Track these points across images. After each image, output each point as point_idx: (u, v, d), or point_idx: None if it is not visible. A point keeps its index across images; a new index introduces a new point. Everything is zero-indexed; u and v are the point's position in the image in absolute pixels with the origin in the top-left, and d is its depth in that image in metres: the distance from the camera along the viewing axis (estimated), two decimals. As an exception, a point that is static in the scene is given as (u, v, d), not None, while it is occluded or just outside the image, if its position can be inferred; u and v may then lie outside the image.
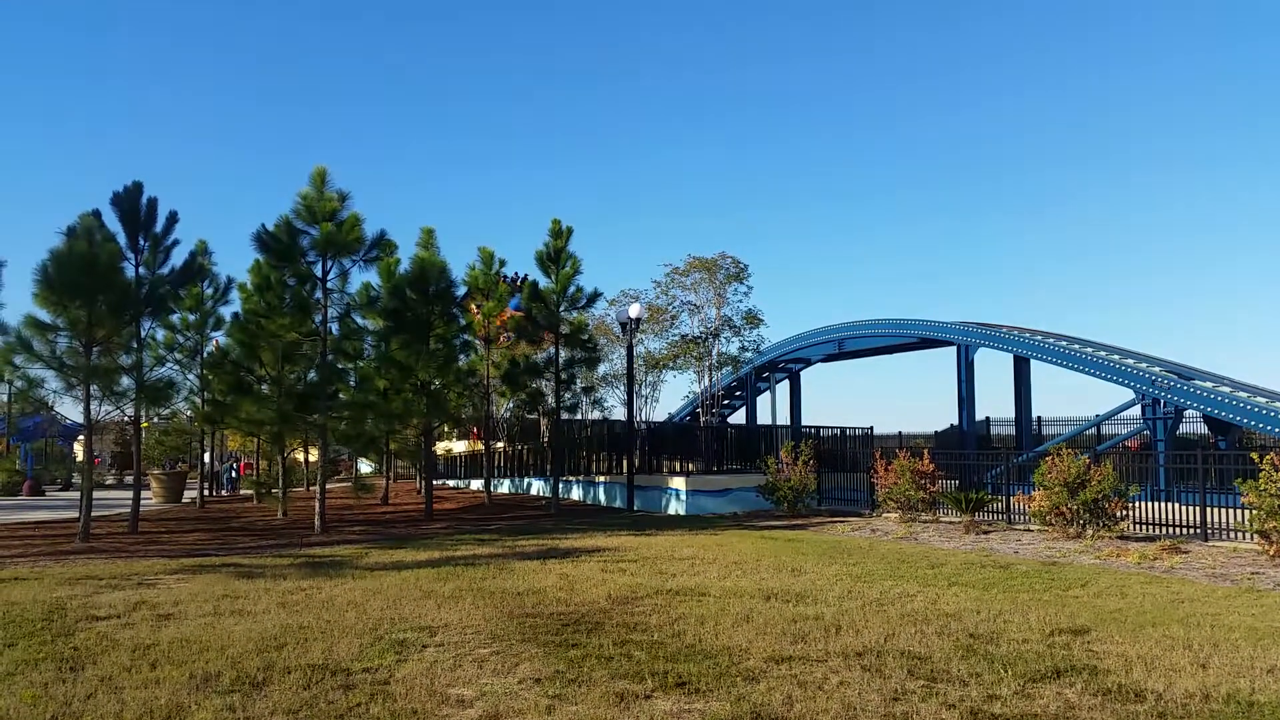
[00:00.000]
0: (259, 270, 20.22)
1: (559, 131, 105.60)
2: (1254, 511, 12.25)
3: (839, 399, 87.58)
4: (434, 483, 26.80)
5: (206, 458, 30.07)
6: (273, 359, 20.26)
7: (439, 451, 34.86)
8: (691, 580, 10.49)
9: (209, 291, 23.38)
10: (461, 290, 22.29)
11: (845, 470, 23.45)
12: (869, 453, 21.44)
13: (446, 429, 30.10)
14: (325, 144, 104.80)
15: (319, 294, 18.27)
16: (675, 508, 22.11)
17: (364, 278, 21.14)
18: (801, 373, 36.99)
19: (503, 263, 25.04)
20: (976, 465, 20.28)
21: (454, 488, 32.01)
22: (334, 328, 19.31)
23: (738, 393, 36.29)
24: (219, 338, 24.03)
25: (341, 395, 20.02)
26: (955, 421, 28.26)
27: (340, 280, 18.48)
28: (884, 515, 19.35)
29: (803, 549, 13.96)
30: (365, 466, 38.97)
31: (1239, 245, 79.08)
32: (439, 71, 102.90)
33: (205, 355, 23.48)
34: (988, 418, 31.04)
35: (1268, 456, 12.30)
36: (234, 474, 35.50)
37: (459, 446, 36.01)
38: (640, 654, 6.68)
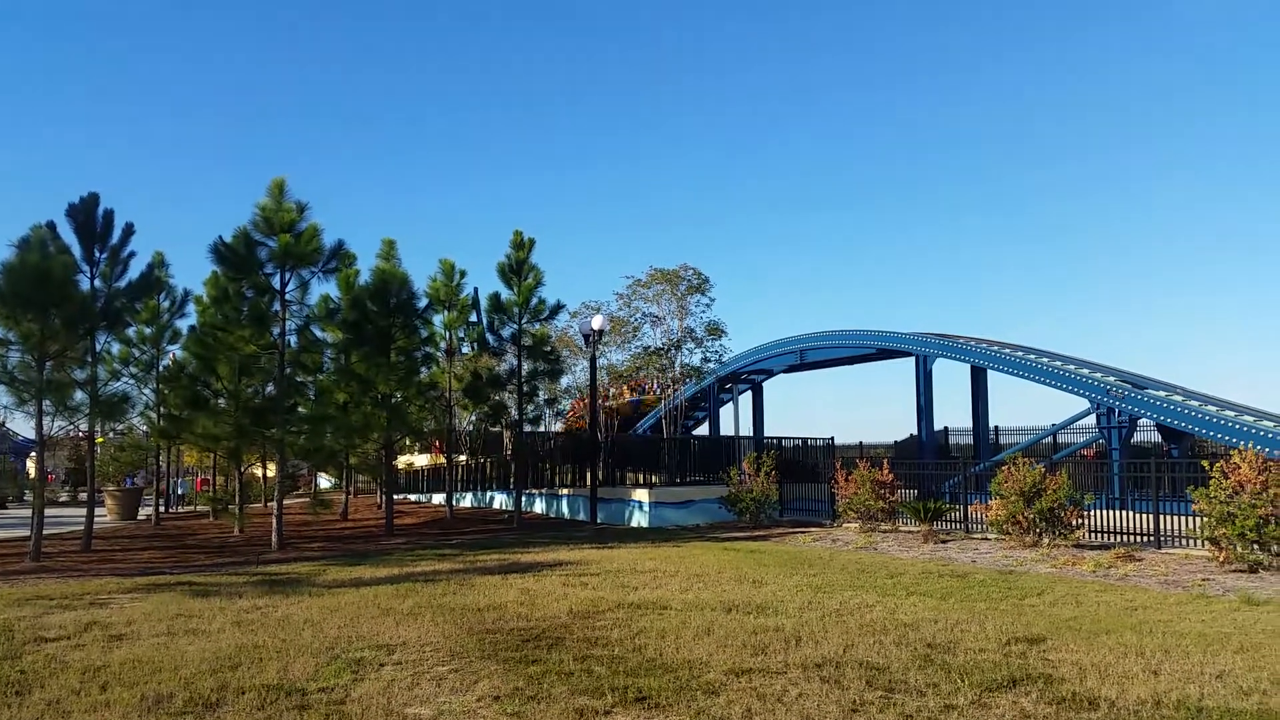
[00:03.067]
0: (216, 282, 19.94)
1: (521, 144, 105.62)
2: (1205, 519, 12.47)
3: (801, 410, 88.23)
4: (395, 497, 26.58)
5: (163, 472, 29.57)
6: (230, 372, 20.00)
7: (400, 465, 34.59)
8: (653, 593, 10.49)
9: (166, 304, 23.05)
10: (423, 302, 22.18)
11: (807, 481, 23.58)
12: (830, 463, 21.60)
13: (408, 442, 29.87)
14: (286, 156, 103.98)
15: (277, 306, 18.06)
16: (638, 520, 22.10)
17: (323, 289, 21.03)
18: (764, 384, 37.18)
19: (463, 274, 24.94)
20: (935, 475, 20.49)
21: (415, 502, 31.77)
22: (293, 340, 19.10)
23: (701, 404, 36.39)
24: (175, 351, 23.71)
25: (300, 409, 19.82)
26: (915, 431, 28.54)
27: (299, 292, 18.29)
28: (844, 525, 19.48)
29: (764, 560, 14.01)
30: (325, 481, 38.57)
31: (1194, 256, 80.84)
32: (401, 84, 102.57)
33: (162, 369, 23.11)
34: (946, 427, 31.40)
35: (1218, 464, 12.55)
36: (180, 490, 34.92)
37: (421, 460, 35.77)
38: (601, 669, 6.67)
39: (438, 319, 24.54)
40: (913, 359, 28.12)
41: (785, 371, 35.40)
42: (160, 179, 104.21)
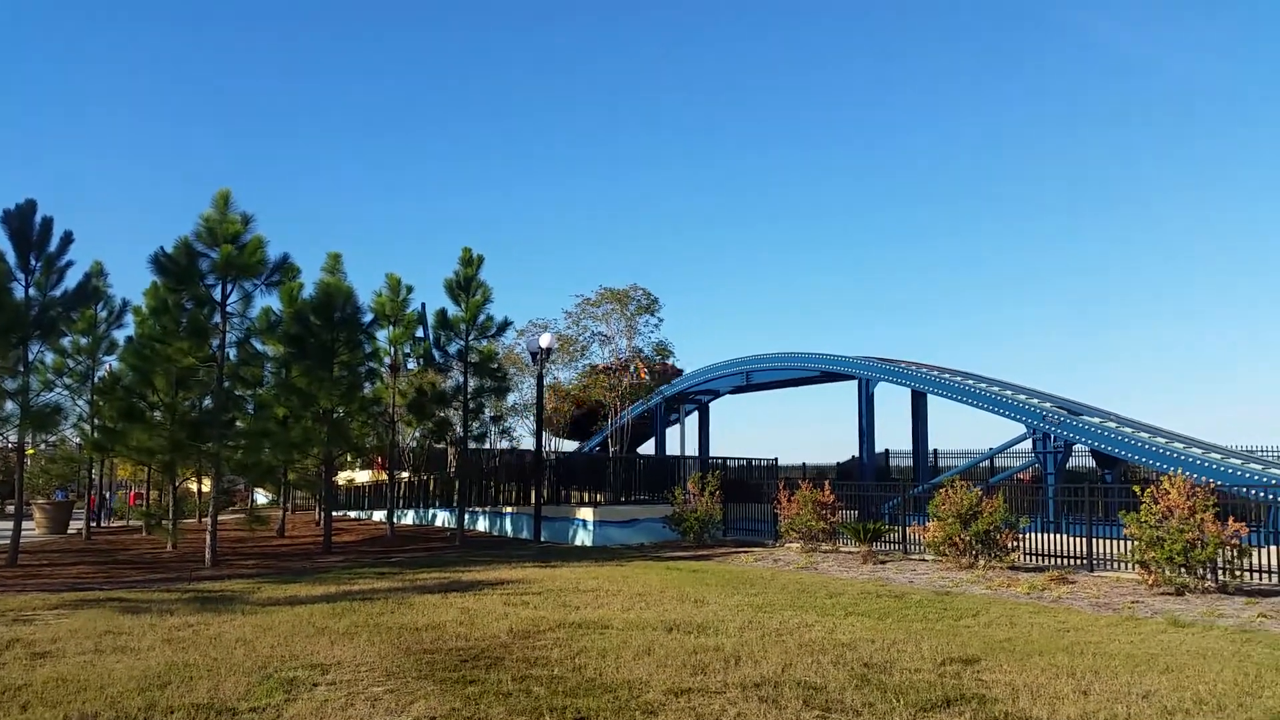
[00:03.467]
0: (156, 293, 19.60)
1: (474, 161, 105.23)
2: (1135, 543, 12.77)
3: (747, 430, 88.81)
4: (335, 514, 26.18)
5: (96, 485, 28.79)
6: (167, 385, 19.60)
7: (341, 482, 34.09)
8: (595, 613, 10.46)
9: (103, 314, 22.57)
10: (368, 317, 21.97)
11: (751, 501, 23.72)
12: (774, 483, 21.75)
13: (349, 458, 29.45)
14: (232, 167, 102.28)
15: (217, 318, 17.79)
16: (583, 539, 22.03)
17: (266, 302, 20.70)
18: (710, 404, 37.37)
19: (410, 289, 24.76)
20: (875, 496, 20.75)
21: (356, 519, 31.32)
22: (233, 353, 18.82)
23: (648, 423, 36.44)
24: (112, 362, 23.19)
25: (238, 423, 19.48)
26: (857, 453, 28.89)
27: (241, 304, 18.05)
28: (786, 545, 19.62)
29: (706, 580, 14.05)
30: (262, 497, 37.83)
31: (1129, 283, 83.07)
32: (350, 98, 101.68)
33: (97, 380, 22.56)
34: (887, 450, 31.82)
35: (1148, 490, 12.89)
36: (108, 504, 34.03)
37: (362, 476, 35.28)
38: (540, 689, 6.63)
39: (383, 334, 24.33)
40: (856, 382, 28.48)
41: (732, 392, 35.63)
42: (103, 185, 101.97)
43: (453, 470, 26.46)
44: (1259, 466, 19.64)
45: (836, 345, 58.12)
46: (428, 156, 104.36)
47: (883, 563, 16.51)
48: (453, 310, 23.11)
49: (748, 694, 6.55)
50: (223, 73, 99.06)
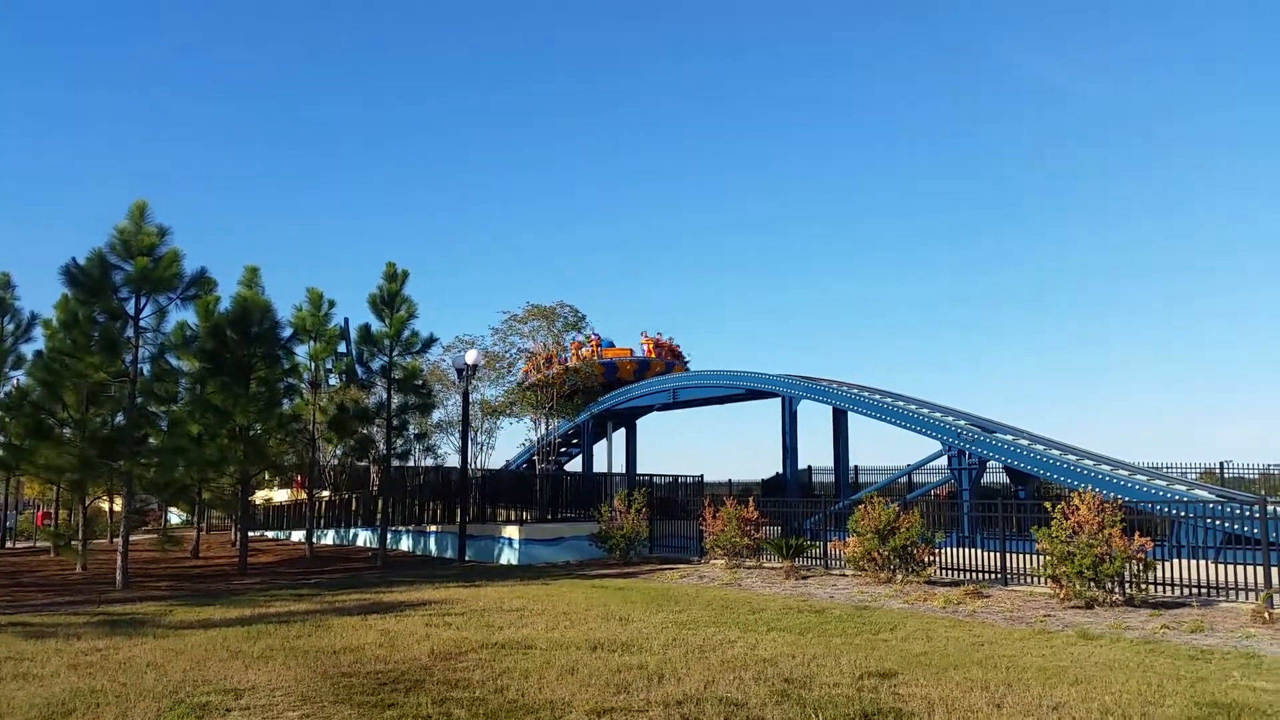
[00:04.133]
0: (67, 306, 18.98)
1: (399, 176, 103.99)
2: (1047, 557, 13.14)
3: (675, 447, 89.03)
4: (252, 534, 25.54)
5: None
6: (77, 401, 18.98)
7: (258, 501, 33.24)
8: (518, 633, 10.39)
9: (10, 327, 21.77)
10: (287, 332, 21.55)
11: (678, 518, 23.81)
12: (699, 500, 21.87)
13: (267, 477, 28.76)
14: (150, 180, 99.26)
15: (130, 332, 17.30)
16: (508, 557, 21.86)
17: (182, 316, 20.14)
18: (638, 421, 37.45)
19: (332, 304, 24.34)
20: (798, 512, 21.01)
21: (274, 539, 30.58)
22: (146, 368, 18.31)
23: (574, 440, 36.35)
24: (19, 377, 22.32)
25: (151, 440, 18.94)
26: (781, 470, 29.22)
27: (156, 318, 17.62)
28: (711, 562, 19.74)
29: (632, 597, 14.06)
30: (176, 517, 36.71)
31: (1043, 305, 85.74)
32: (272, 110, 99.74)
33: (2, 395, 21.68)
34: (810, 466, 32.26)
35: (1059, 506, 13.28)
36: (9, 523, 32.59)
37: (281, 496, 34.44)
38: (460, 712, 6.57)
39: (303, 349, 23.88)
40: (780, 400, 28.85)
41: (660, 409, 35.77)
42: (12, 195, 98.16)
43: (375, 489, 26.03)
44: (1164, 483, 20.43)
45: (763, 363, 58.85)
46: (353, 172, 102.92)
47: (805, 578, 16.72)
48: (376, 326, 22.82)
49: (670, 712, 6.58)
50: (140, 84, 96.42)
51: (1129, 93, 75.97)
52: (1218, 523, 15.49)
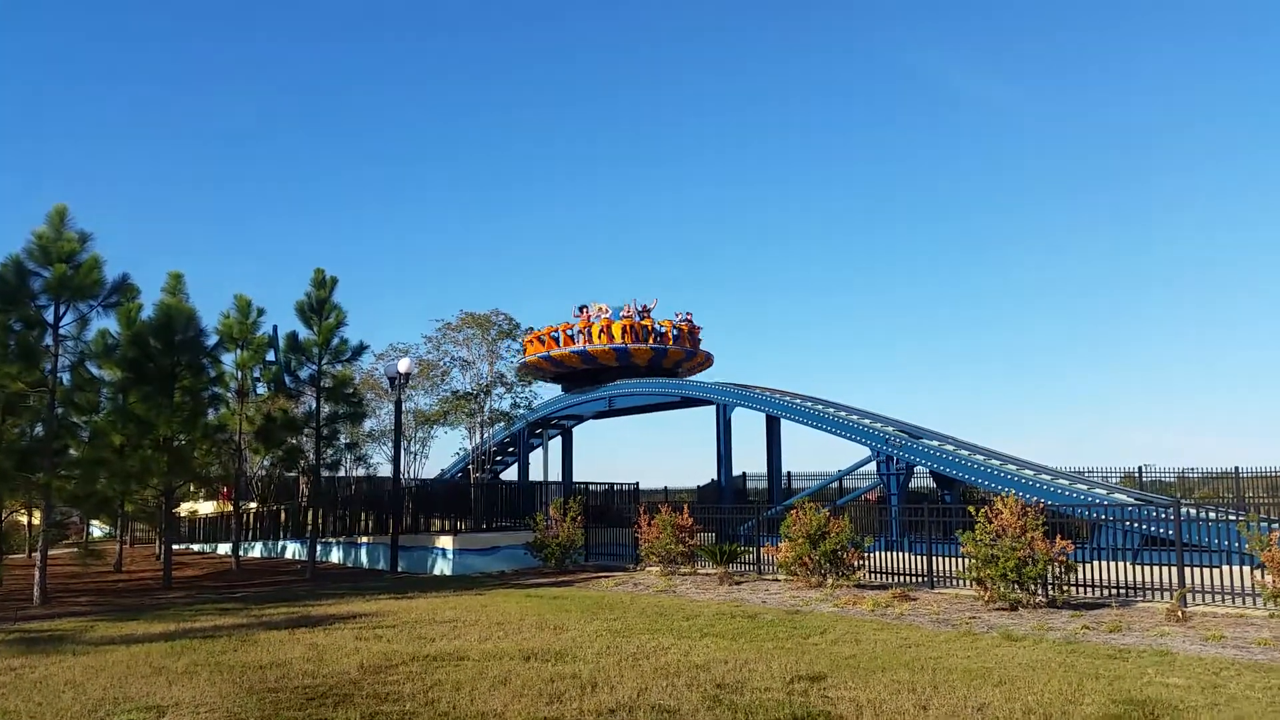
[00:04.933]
0: (-20, 314, 18.27)
1: (330, 180, 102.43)
2: (972, 560, 13.45)
3: (611, 455, 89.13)
4: (176, 548, 24.93)
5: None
6: (-9, 411, 18.27)
7: (183, 513, 32.45)
8: (451, 644, 10.30)
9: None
10: (213, 340, 21.08)
11: (613, 526, 23.85)
12: (635, 508, 21.93)
13: (192, 489, 28.05)
14: (72, 184, 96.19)
15: (49, 340, 16.78)
16: (442, 568, 21.64)
17: (103, 324, 19.54)
18: (574, 429, 37.43)
19: (260, 311, 23.86)
20: (732, 519, 21.20)
21: (199, 552, 29.88)
22: (66, 378, 17.75)
23: (510, 449, 36.18)
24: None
25: (72, 451, 18.36)
26: (715, 477, 29.45)
27: (76, 326, 17.14)
28: (646, 569, 19.79)
29: (566, 606, 14.03)
30: (98, 530, 35.63)
31: (971, 314, 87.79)
32: (201, 113, 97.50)
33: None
34: (744, 473, 32.57)
35: (983, 510, 13.61)
36: None
37: (206, 508, 33.65)
38: (390, 724, 6.50)
39: (229, 358, 23.35)
40: (714, 407, 29.10)
41: (595, 417, 35.81)
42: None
43: (304, 500, 25.57)
44: (1085, 487, 21.08)
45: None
46: (285, 177, 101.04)
47: (738, 583, 16.85)
48: (304, 334, 22.42)
49: (602, 720, 6.60)
50: (60, 82, 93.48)
51: (1039, 98, 78.30)
52: (1135, 525, 16.03)
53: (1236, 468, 25.70)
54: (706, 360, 34.50)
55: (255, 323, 23.96)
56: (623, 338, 31.96)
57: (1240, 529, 11.83)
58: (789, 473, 30.89)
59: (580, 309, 33.03)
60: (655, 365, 32.93)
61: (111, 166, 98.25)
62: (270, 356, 24.37)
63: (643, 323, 32.20)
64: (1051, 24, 77.24)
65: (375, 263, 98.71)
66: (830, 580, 15.66)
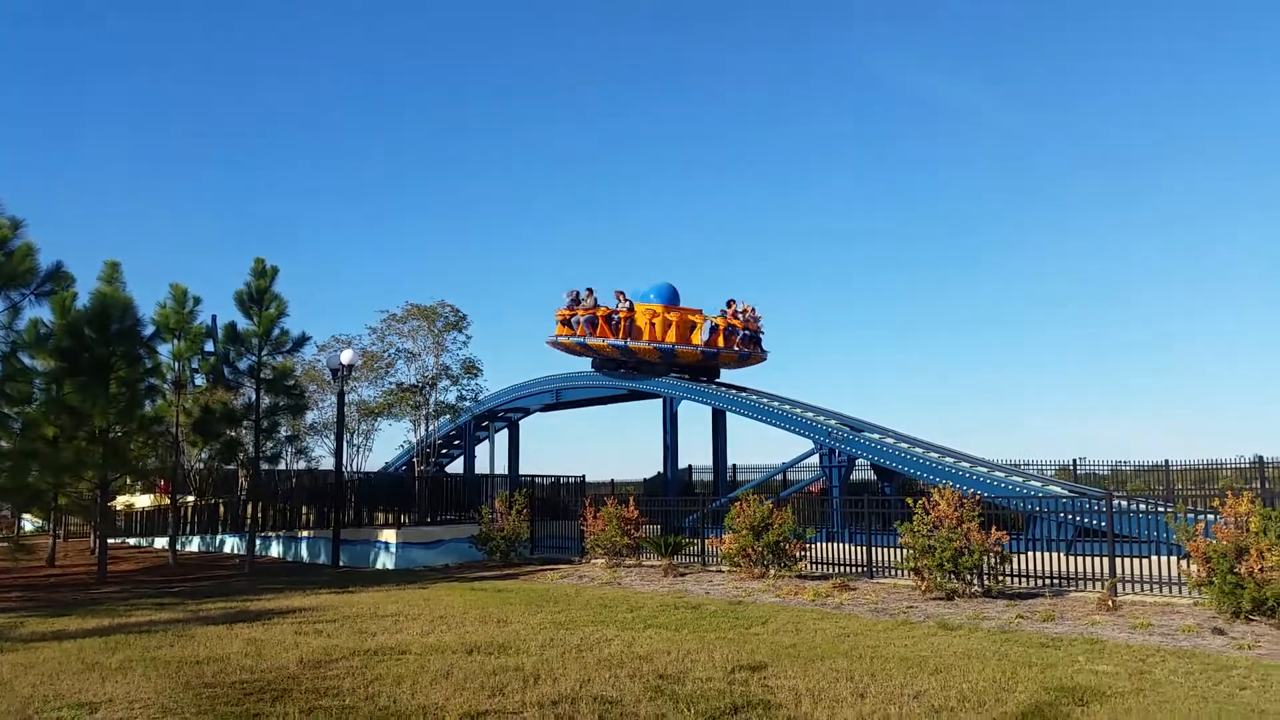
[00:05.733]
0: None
1: (273, 169, 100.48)
2: (909, 551, 13.69)
3: (559, 448, 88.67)
4: (112, 541, 24.41)
5: None
6: (-80, 402, 17.76)
7: (119, 507, 31.72)
8: (393, 638, 10.24)
9: None
10: (150, 329, 20.66)
11: (559, 518, 23.82)
12: (581, 500, 21.95)
13: (128, 481, 27.46)
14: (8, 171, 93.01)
15: (-21, 330, 16.35)
16: (384, 561, 21.47)
17: (36, 313, 19.08)
18: (521, 422, 37.25)
19: (197, 301, 23.42)
20: (677, 511, 21.31)
21: (136, 547, 29.27)
22: (-3, 368, 17.33)
23: (456, 442, 35.92)
24: None
25: (3, 443, 17.96)
26: (662, 469, 29.57)
27: (9, 315, 16.82)
28: (592, 561, 19.84)
29: (511, 599, 14.03)
30: (30, 524, 34.73)
31: (915, 307, 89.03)
32: (137, 98, 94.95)
33: None
34: (690, 465, 32.73)
35: (920, 501, 13.87)
36: None
37: (143, 501, 32.93)
38: (329, 720, 6.46)
39: (166, 348, 22.92)
40: (661, 400, 29.21)
41: (542, 410, 35.67)
42: None
43: (244, 493, 25.17)
44: (1020, 479, 21.54)
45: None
46: (226, 164, 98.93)
47: (683, 575, 16.98)
48: (244, 324, 22.08)
49: (544, 712, 6.62)
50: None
51: (986, 100, 79.77)
52: (1069, 517, 16.44)
53: (1166, 461, 26.53)
54: (760, 357, 29.72)
55: (192, 312, 23.54)
56: (664, 335, 27.96)
57: (1169, 520, 12.16)
58: (734, 465, 31.12)
59: (587, 292, 29.41)
60: (706, 365, 29.16)
61: (45, 156, 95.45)
62: (209, 347, 23.96)
63: (691, 318, 28.40)
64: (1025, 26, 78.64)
65: (321, 253, 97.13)
66: (773, 571, 15.84)
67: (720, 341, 28.09)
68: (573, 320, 29.00)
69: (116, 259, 21.51)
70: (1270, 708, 6.66)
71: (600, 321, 28.48)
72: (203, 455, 25.91)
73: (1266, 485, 23.55)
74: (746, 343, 28.69)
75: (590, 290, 29.62)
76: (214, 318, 24.28)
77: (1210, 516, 11.61)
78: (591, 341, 28.53)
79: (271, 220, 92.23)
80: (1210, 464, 25.69)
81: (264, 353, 22.06)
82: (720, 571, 17.16)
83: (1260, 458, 24.31)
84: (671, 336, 27.90)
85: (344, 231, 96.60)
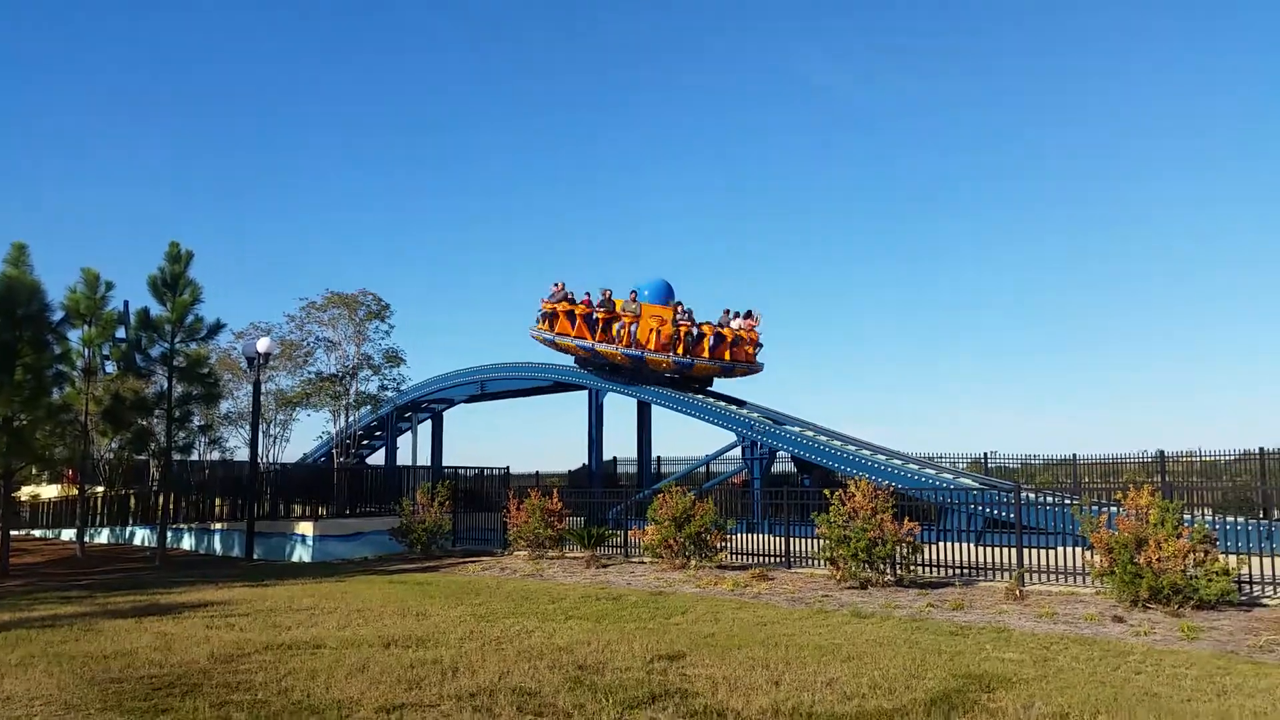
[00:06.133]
0: None
1: (191, 154, 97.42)
2: (826, 541, 13.98)
3: (484, 439, 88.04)
4: (15, 533, 23.54)
5: None
6: None
7: (24, 497, 30.57)
8: (307, 632, 10.08)
9: None
10: (58, 315, 19.92)
11: (483, 510, 23.73)
12: (505, 492, 21.89)
13: (33, 471, 26.47)
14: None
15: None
16: (301, 554, 21.12)
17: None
18: (444, 413, 36.92)
19: (110, 285, 22.63)
20: (601, 503, 21.41)
21: (41, 538, 28.28)
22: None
23: (377, 433, 35.45)
24: None
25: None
26: (587, 461, 29.63)
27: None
28: (515, 553, 19.79)
29: (431, 592, 13.92)
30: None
31: (833, 300, 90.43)
32: (46, 81, 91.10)
33: None
34: (615, 457, 32.86)
35: (837, 493, 14.16)
36: None
37: (49, 492, 31.79)
38: (240, 715, 6.35)
39: (76, 334, 22.11)
40: (586, 392, 29.24)
41: (466, 401, 35.43)
42: None
43: (155, 484, 24.48)
44: (934, 471, 22.14)
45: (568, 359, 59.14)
46: (139, 146, 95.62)
47: (605, 566, 17.05)
48: (157, 310, 21.46)
49: (462, 705, 6.61)
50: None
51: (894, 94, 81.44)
52: (979, 508, 16.95)
53: (1074, 454, 27.38)
54: (759, 367, 28.44)
55: (104, 298, 22.72)
56: (678, 349, 26.23)
57: (1074, 512, 12.61)
58: (659, 457, 31.34)
59: (596, 294, 27.78)
60: (685, 375, 27.49)
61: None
62: (121, 334, 23.21)
63: (701, 328, 26.79)
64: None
65: (241, 240, 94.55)
66: (694, 562, 16.01)
67: (706, 352, 26.52)
68: (550, 315, 27.98)
69: (23, 241, 20.67)
70: (1162, 690, 6.98)
71: (579, 320, 27.17)
72: (113, 445, 25.11)
73: (1167, 479, 24.55)
74: (752, 352, 27.30)
75: (573, 290, 28.12)
76: (126, 303, 23.54)
77: (1113, 509, 12.05)
78: (560, 340, 27.75)
79: (195, 206, 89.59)
80: (1115, 459, 26.62)
81: (177, 340, 21.50)
82: (643, 563, 17.27)
83: (1162, 453, 25.28)
84: (653, 343, 26.28)
85: (269, 219, 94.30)
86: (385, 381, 28.69)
